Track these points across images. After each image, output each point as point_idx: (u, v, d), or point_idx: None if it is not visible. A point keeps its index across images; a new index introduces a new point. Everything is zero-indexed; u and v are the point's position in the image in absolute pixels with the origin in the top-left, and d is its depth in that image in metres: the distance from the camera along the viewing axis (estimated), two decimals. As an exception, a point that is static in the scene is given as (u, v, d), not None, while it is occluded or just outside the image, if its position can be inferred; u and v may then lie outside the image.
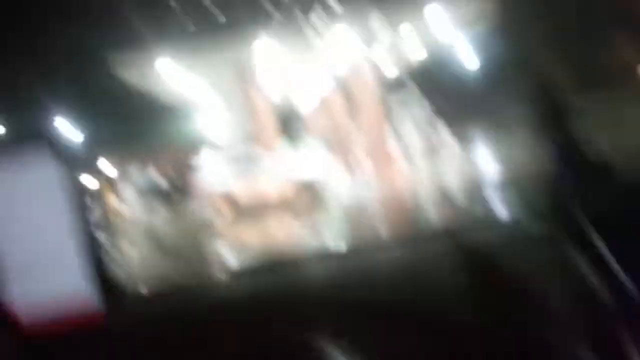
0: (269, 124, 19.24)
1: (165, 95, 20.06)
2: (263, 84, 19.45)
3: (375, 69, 18.66)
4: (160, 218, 16.90)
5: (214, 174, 15.98)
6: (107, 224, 15.58)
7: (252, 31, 18.51)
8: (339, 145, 18.65)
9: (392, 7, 17.64)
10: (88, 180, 15.57)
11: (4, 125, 18.98)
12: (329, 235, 12.01)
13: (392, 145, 18.28)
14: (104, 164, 19.34)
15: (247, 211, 15.16)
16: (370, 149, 18.20)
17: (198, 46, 18.95)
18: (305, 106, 18.58)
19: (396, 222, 11.82)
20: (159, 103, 19.97)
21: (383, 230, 11.50)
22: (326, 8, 18.17)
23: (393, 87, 18.99)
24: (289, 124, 19.52)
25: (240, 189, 15.77)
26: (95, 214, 15.23)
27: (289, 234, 13.25)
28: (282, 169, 16.19)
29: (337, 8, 18.00)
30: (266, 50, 18.04)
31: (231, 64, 19.45)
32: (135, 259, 13.03)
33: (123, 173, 19.95)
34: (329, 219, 14.17)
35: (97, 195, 16.81)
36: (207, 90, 21.24)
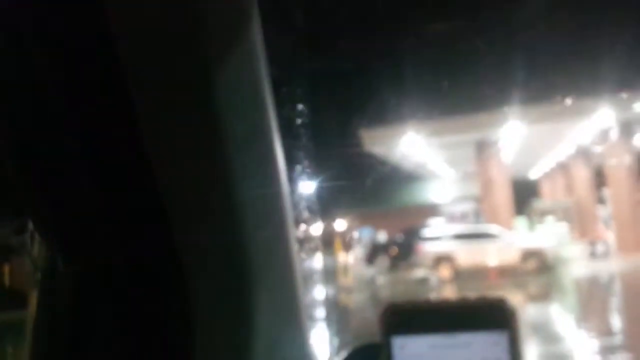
0: (505, 201, 18.56)
1: (405, 166, 20.64)
2: (503, 160, 19.03)
3: (628, 138, 17.07)
4: (381, 271, 17.01)
5: (440, 244, 15.82)
6: (332, 271, 16.15)
7: (500, 113, 18.35)
8: (577, 215, 17.20)
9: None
10: (317, 230, 16.59)
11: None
12: (553, 307, 10.95)
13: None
14: (339, 221, 20.38)
15: (465, 273, 14.56)
16: (616, 220, 16.46)
17: (444, 126, 19.32)
18: (543, 173, 17.53)
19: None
20: (398, 172, 20.61)
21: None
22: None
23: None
24: (525, 200, 18.61)
25: (462, 252, 15.29)
26: (321, 261, 16.00)
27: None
28: (513, 241, 15.39)
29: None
30: (512, 130, 17.71)
31: (474, 143, 19.45)
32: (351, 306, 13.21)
33: (353, 230, 20.74)
34: (557, 289, 12.91)
35: (323, 245, 17.62)
36: (446, 164, 21.38)
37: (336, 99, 20.04)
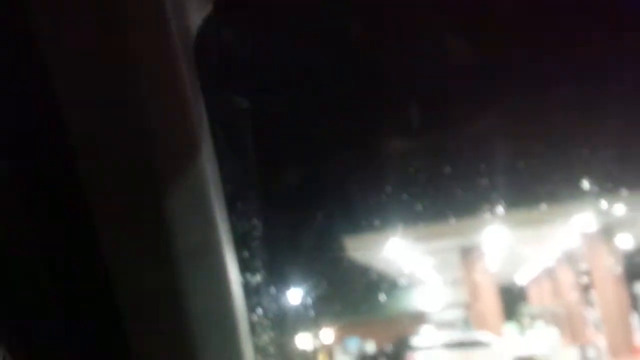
0: (494, 306, 18.39)
1: (391, 273, 20.52)
2: (489, 266, 19.04)
3: (610, 240, 17.24)
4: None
5: (430, 354, 15.52)
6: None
7: (483, 219, 18.44)
8: (566, 319, 16.99)
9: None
10: (305, 342, 16.18)
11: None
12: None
13: (634, 323, 16.15)
14: (324, 331, 19.85)
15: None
16: (606, 324, 16.29)
17: (429, 232, 19.33)
18: (529, 278, 17.50)
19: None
20: (385, 279, 20.44)
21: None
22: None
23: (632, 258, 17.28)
24: (514, 306, 18.50)
25: (454, 360, 15.00)
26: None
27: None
28: (503, 348, 15.14)
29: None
30: (497, 235, 17.85)
31: (460, 248, 19.49)
32: None
33: (340, 341, 20.23)
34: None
35: (311, 357, 17.14)
36: (433, 270, 21.32)
37: (321, 205, 20.21)
